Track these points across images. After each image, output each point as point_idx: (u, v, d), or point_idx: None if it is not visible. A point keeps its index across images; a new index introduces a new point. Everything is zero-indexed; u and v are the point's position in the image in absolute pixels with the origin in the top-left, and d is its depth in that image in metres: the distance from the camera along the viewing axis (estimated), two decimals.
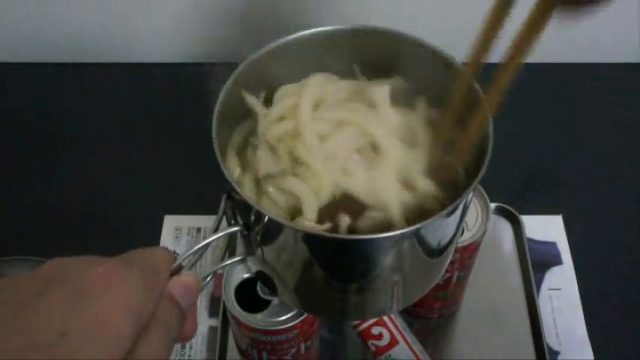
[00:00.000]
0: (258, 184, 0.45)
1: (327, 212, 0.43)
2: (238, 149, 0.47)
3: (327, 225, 0.42)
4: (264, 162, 0.45)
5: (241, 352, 0.55)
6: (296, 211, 0.44)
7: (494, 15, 0.39)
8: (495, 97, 0.41)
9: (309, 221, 0.42)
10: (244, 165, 0.46)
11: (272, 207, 0.44)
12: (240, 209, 0.42)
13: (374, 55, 0.49)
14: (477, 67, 0.42)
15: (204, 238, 0.40)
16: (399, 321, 0.57)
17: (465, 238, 0.54)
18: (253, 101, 0.47)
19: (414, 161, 0.44)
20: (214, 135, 0.42)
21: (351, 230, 0.42)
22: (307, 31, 0.47)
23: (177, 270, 0.36)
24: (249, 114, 0.48)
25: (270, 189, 0.44)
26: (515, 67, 0.39)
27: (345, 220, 0.42)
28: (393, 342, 0.56)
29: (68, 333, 0.27)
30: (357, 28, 0.48)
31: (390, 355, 0.56)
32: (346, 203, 0.43)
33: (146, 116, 0.81)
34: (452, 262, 0.54)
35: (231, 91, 0.44)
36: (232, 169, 0.46)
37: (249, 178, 0.46)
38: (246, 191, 0.45)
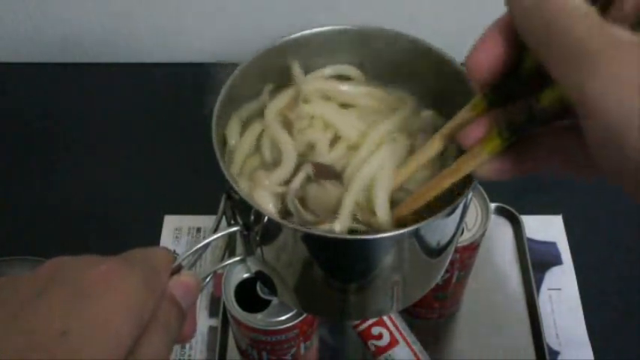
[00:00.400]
0: (258, 145, 0.46)
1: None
2: (246, 120, 0.48)
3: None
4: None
5: (241, 352, 0.55)
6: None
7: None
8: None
9: (285, 170, 0.43)
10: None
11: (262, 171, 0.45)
12: (240, 209, 0.42)
13: (375, 56, 0.49)
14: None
15: (204, 238, 0.40)
16: (399, 321, 0.57)
17: (465, 238, 0.54)
18: (297, 69, 0.47)
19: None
20: (214, 135, 0.42)
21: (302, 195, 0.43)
22: (307, 32, 0.47)
23: (177, 270, 0.36)
24: None
25: (265, 147, 0.45)
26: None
27: (307, 168, 0.42)
28: (393, 342, 0.56)
29: (68, 333, 0.27)
30: (358, 28, 0.48)
31: (390, 355, 0.56)
32: (323, 169, 0.43)
33: (146, 116, 0.81)
34: (452, 262, 0.54)
35: (231, 90, 0.44)
36: (233, 135, 0.46)
37: (247, 136, 0.46)
38: (242, 152, 0.46)
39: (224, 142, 0.46)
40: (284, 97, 0.47)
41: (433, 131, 0.46)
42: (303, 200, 0.42)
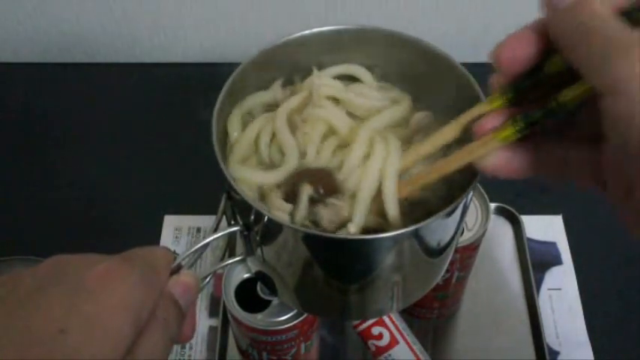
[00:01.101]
0: (256, 142, 0.45)
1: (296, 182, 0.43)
2: (245, 114, 0.47)
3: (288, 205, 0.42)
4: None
5: (241, 352, 0.55)
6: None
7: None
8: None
9: (285, 170, 0.43)
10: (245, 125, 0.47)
11: (257, 168, 0.44)
12: (240, 209, 0.42)
13: (375, 56, 0.49)
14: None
15: (204, 238, 0.40)
16: (399, 321, 0.57)
17: (465, 238, 0.54)
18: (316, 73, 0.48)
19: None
20: (214, 134, 0.42)
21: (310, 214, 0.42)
22: (307, 32, 0.47)
23: (177, 269, 0.36)
24: None
25: (262, 146, 0.44)
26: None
27: (307, 190, 0.42)
28: (393, 342, 0.56)
29: (67, 331, 0.27)
30: (358, 28, 0.48)
31: (390, 355, 0.56)
32: (320, 179, 0.43)
33: (146, 116, 0.81)
34: (452, 262, 0.54)
35: (233, 86, 0.44)
36: (235, 127, 0.46)
37: (246, 132, 0.46)
38: (239, 152, 0.45)
39: (225, 136, 0.46)
40: (296, 99, 0.46)
41: (427, 132, 0.46)
42: (314, 222, 0.42)
